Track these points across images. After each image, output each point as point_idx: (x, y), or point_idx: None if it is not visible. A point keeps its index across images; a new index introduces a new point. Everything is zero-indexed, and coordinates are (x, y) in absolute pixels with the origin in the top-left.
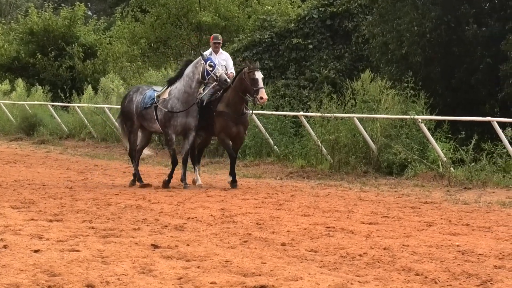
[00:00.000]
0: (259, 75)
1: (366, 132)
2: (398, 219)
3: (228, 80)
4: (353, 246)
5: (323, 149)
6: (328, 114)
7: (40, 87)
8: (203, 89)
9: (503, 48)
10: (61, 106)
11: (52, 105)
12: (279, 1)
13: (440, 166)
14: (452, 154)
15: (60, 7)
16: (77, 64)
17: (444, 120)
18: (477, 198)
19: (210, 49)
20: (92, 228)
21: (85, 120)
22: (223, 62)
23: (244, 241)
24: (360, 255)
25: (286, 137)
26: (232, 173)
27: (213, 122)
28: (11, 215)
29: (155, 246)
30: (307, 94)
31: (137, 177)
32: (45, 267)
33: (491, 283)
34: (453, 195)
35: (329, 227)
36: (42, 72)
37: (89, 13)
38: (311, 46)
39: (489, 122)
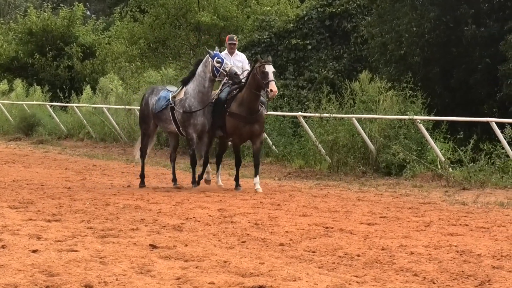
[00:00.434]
0: (269, 68)
1: (365, 132)
2: (397, 219)
3: (239, 72)
4: (351, 247)
5: (322, 149)
6: (327, 115)
7: (38, 87)
8: (221, 89)
9: (501, 48)
10: (59, 106)
11: (51, 105)
12: (278, 1)
13: (439, 166)
14: (450, 154)
15: (59, 7)
16: (76, 64)
17: (442, 121)
18: (476, 198)
19: (226, 50)
20: (90, 228)
21: (84, 120)
22: (239, 64)
23: (243, 242)
24: (358, 256)
25: (285, 137)
26: (236, 179)
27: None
28: (9, 215)
29: (153, 246)
30: (305, 95)
31: (141, 176)
32: (43, 267)
33: (489, 284)
34: (452, 195)
35: (327, 228)
36: (40, 72)
37: (88, 13)
38: (310, 47)
39: (487, 123)
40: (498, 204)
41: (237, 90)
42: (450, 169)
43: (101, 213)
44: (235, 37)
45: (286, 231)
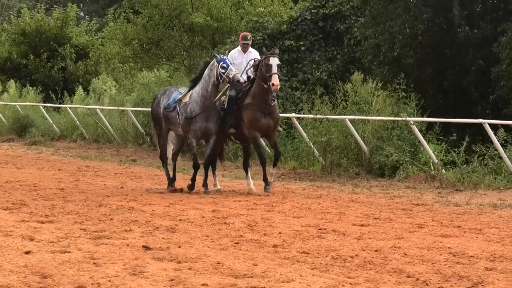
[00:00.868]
0: (274, 61)
1: (358, 134)
2: (390, 221)
3: (241, 80)
4: (344, 248)
5: (315, 150)
6: (320, 116)
7: (32, 88)
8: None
9: (495, 50)
10: (53, 107)
11: (44, 106)
12: (271, 2)
13: (432, 168)
14: (443, 156)
15: (52, 8)
16: (69, 65)
17: (435, 122)
18: (469, 200)
19: (239, 47)
20: (84, 229)
21: (77, 121)
22: (252, 62)
23: (236, 243)
24: (351, 257)
25: (278, 138)
26: (265, 178)
27: (242, 119)
28: (2, 216)
29: (146, 248)
30: (299, 96)
31: (168, 181)
32: (36, 269)
33: (482, 285)
34: (445, 197)
35: (320, 229)
36: (34, 73)
37: (82, 14)
38: (303, 48)
39: (480, 124)
40: (491, 205)
41: (249, 85)
42: (443, 170)
43: (94, 214)
44: (249, 36)
45: (280, 233)
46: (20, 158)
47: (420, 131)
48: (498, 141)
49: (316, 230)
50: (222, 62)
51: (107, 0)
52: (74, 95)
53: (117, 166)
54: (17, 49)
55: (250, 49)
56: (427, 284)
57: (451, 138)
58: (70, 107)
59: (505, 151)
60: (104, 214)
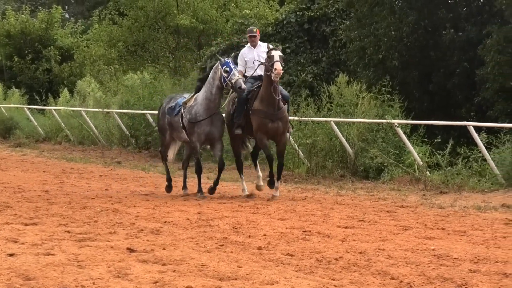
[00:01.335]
0: (276, 52)
1: (343, 136)
2: (374, 223)
3: (244, 86)
4: (329, 250)
5: (300, 153)
6: (305, 118)
7: (16, 90)
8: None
9: (479, 52)
10: (37, 109)
11: (29, 108)
12: (257, 4)
13: (416, 170)
14: (428, 158)
15: (37, 10)
16: (54, 67)
17: (420, 124)
18: (453, 202)
19: (248, 44)
20: (68, 231)
21: (62, 123)
22: (263, 54)
23: (221, 245)
24: (336, 259)
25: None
26: (270, 175)
27: (250, 122)
28: None
29: (131, 250)
30: None
31: (167, 183)
32: (20, 271)
33: (466, 287)
34: (429, 199)
35: (305, 231)
36: (19, 75)
37: (67, 16)
38: (288, 50)
39: (465, 126)
40: (475, 207)
41: (258, 88)
42: (428, 172)
43: (78, 216)
44: (255, 29)
45: (264, 235)
46: (4, 160)
47: (405, 133)
48: (482, 143)
49: (301, 232)
50: (225, 66)
51: (92, 2)
52: (59, 97)
53: (102, 168)
54: (2, 51)
55: (260, 43)
56: (411, 286)
57: (435, 140)
58: (55, 109)
59: (489, 153)
60: (89, 216)
